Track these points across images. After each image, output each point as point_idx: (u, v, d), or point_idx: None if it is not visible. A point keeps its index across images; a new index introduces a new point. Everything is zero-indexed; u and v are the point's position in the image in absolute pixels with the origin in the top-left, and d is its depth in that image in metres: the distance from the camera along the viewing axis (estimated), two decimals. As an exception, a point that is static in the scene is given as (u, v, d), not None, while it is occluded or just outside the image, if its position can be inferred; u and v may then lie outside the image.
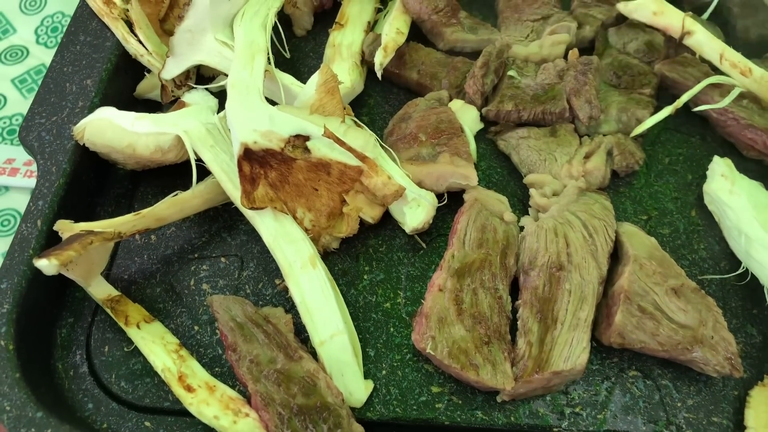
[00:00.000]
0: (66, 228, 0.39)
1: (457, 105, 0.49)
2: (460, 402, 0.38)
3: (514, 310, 0.39)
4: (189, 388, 0.37)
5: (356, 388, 0.38)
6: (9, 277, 0.38)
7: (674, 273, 0.39)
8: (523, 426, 0.37)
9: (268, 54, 0.45)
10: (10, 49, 0.81)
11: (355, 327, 0.40)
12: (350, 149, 0.41)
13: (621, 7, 0.51)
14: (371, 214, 0.42)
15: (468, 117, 0.48)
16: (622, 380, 0.38)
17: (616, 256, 0.41)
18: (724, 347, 0.37)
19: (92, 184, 0.45)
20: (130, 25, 0.49)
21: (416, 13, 0.52)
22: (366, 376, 0.39)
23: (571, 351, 0.37)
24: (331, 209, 0.41)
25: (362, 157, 0.41)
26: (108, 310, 0.40)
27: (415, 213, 0.41)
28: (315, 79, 0.42)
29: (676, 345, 0.37)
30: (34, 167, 0.70)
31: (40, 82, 0.78)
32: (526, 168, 0.45)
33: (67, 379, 0.39)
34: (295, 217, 0.41)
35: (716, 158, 0.45)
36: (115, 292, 0.41)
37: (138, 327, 0.39)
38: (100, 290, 0.41)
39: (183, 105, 0.46)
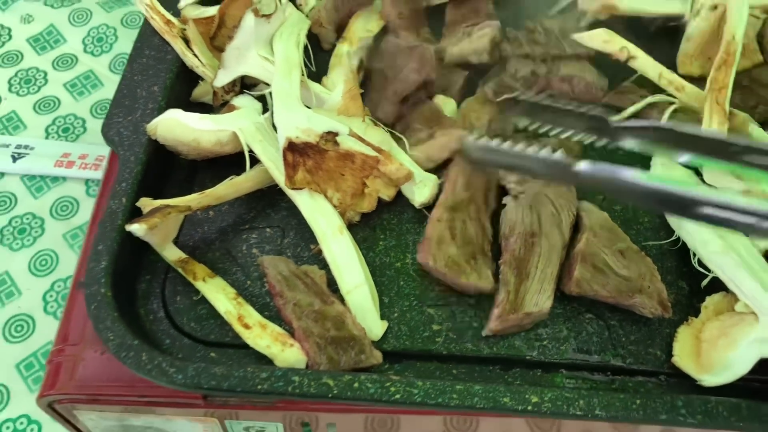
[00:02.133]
0: (147, 204, 0.50)
1: (439, 99, 0.60)
2: (454, 337, 0.49)
3: (495, 236, 0.51)
4: (246, 326, 0.48)
5: (374, 326, 0.49)
6: (103, 241, 0.49)
7: (621, 239, 0.50)
8: (502, 355, 0.48)
9: (302, 67, 0.56)
10: (62, 57, 0.92)
11: (373, 281, 0.51)
12: (370, 144, 0.52)
13: (577, 37, 0.61)
14: (387, 194, 0.53)
15: (447, 107, 0.60)
16: (579, 321, 0.49)
17: (577, 227, 0.52)
18: (658, 294, 0.48)
19: (160, 170, 0.55)
20: (186, 41, 0.60)
21: (384, 13, 0.63)
22: (381, 317, 0.50)
23: (539, 298, 0.48)
24: (354, 190, 0.52)
25: (379, 150, 0.52)
26: (179, 269, 0.51)
27: (422, 191, 0.53)
28: (341, 87, 0.53)
29: (621, 292, 0.48)
30: (88, 160, 0.81)
31: (89, 86, 0.89)
32: None
33: (148, 321, 0.50)
34: (326, 196, 0.52)
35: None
36: (183, 255, 0.51)
37: (204, 281, 0.50)
38: (172, 253, 0.51)
39: (232, 108, 0.57)
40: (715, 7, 0.58)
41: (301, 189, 0.51)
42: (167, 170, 0.56)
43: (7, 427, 0.66)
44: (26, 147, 0.82)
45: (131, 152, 0.53)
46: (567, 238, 0.50)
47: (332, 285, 0.51)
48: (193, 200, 0.51)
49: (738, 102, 0.57)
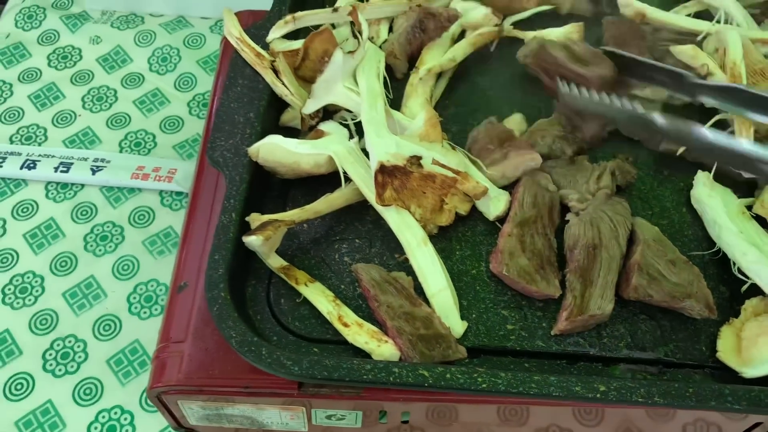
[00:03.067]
0: (256, 218, 0.57)
1: (509, 120, 0.68)
2: (526, 335, 0.56)
3: (560, 250, 0.59)
4: (346, 325, 0.55)
5: (456, 325, 0.56)
6: (219, 251, 0.56)
7: (671, 250, 0.57)
8: (569, 351, 0.56)
9: (384, 96, 0.64)
10: (130, 75, 0.99)
11: (453, 286, 0.58)
12: (448, 167, 0.59)
13: (671, 49, 0.68)
14: (463, 209, 0.60)
15: (515, 124, 0.67)
16: (634, 321, 0.56)
17: (632, 240, 0.59)
18: (705, 298, 0.55)
19: (260, 188, 0.63)
20: (276, 72, 0.67)
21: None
22: (462, 318, 0.57)
23: (601, 302, 0.55)
24: (434, 206, 0.59)
25: (457, 171, 0.59)
26: (282, 275, 0.58)
27: (497, 205, 0.60)
28: (422, 115, 0.61)
29: (673, 297, 0.55)
30: (161, 173, 0.88)
31: (156, 103, 0.96)
32: (557, 184, 0.63)
33: (257, 321, 0.57)
34: (409, 211, 0.59)
35: (699, 172, 0.63)
36: (285, 263, 0.59)
37: (306, 285, 0.57)
38: (276, 261, 0.58)
39: (321, 133, 0.64)
40: (716, 50, 0.66)
41: (389, 205, 0.58)
42: (265, 188, 0.63)
43: (103, 417, 0.73)
44: (103, 160, 0.89)
45: (236, 172, 0.60)
46: (624, 250, 0.58)
47: (417, 289, 0.58)
48: (295, 215, 0.58)
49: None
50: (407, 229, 0.58)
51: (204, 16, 1.04)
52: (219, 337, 0.56)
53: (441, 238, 0.61)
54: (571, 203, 0.60)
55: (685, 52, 0.66)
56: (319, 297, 0.56)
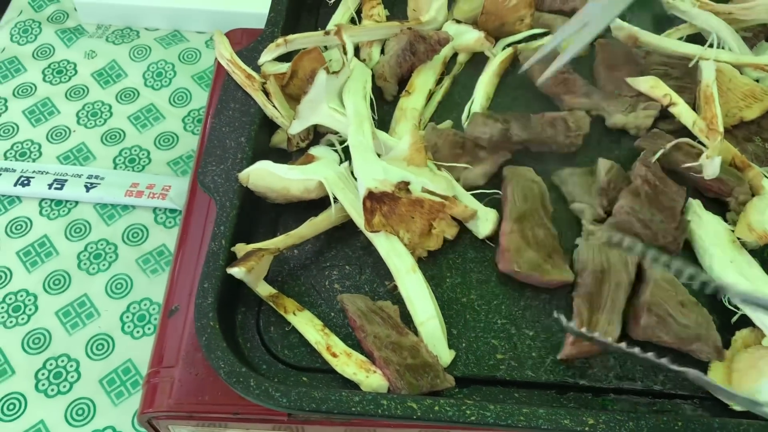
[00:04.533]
0: (241, 248, 0.57)
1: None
2: (516, 365, 0.56)
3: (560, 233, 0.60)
4: (334, 355, 0.55)
5: (443, 354, 0.56)
6: (208, 279, 0.56)
7: (681, 291, 0.56)
8: (558, 381, 0.55)
9: (371, 118, 0.63)
10: (124, 90, 0.99)
11: (442, 314, 0.58)
12: (435, 192, 0.59)
13: (629, 80, 0.69)
14: (450, 233, 0.60)
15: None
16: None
17: (640, 278, 0.58)
18: (713, 341, 0.55)
19: (250, 213, 0.62)
20: (267, 94, 0.67)
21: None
22: (450, 347, 0.57)
23: (608, 328, 0.55)
24: (422, 231, 0.59)
25: (445, 197, 0.59)
26: (271, 303, 0.58)
27: (486, 224, 0.60)
28: (407, 139, 0.61)
29: (682, 340, 0.54)
30: (155, 190, 0.88)
31: (151, 119, 0.96)
32: (570, 197, 0.64)
33: (246, 349, 0.57)
34: (398, 236, 0.59)
35: (691, 200, 0.62)
36: (274, 291, 0.59)
37: (294, 314, 0.57)
38: (264, 290, 0.58)
39: (311, 157, 0.64)
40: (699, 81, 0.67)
41: (378, 231, 0.58)
42: (256, 213, 0.63)
43: (95, 438, 0.73)
44: (97, 177, 0.89)
45: (226, 198, 0.60)
46: (632, 277, 0.58)
47: (406, 317, 0.58)
48: (280, 242, 0.58)
49: (759, 152, 0.65)
50: (396, 256, 0.58)
51: (199, 31, 1.04)
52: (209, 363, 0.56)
53: (431, 266, 0.61)
54: (583, 222, 0.60)
55: (645, 82, 0.66)
56: (308, 326, 0.56)
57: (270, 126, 0.67)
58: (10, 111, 0.96)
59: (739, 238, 0.59)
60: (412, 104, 0.68)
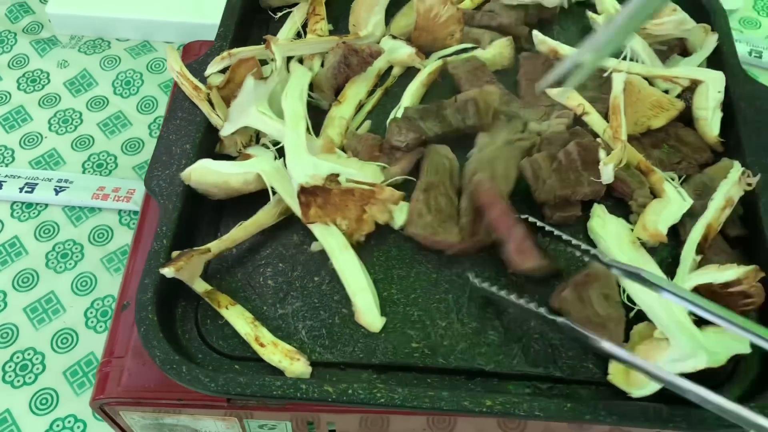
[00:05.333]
0: (176, 253, 0.62)
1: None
2: (429, 353, 0.61)
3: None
4: (262, 345, 0.60)
5: (375, 320, 0.61)
6: (149, 276, 0.61)
7: (612, 288, 0.61)
8: (466, 367, 0.60)
9: (306, 119, 0.68)
10: (95, 98, 1.04)
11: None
12: (362, 181, 0.64)
13: (547, 91, 0.74)
14: (382, 218, 0.65)
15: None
16: (527, 340, 0.61)
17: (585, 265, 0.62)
18: (616, 338, 0.58)
19: (192, 214, 0.67)
20: (212, 104, 0.72)
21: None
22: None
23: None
24: (357, 217, 0.64)
25: (372, 184, 0.64)
26: (206, 299, 0.63)
27: (399, 215, 0.66)
28: (318, 142, 0.66)
29: (589, 323, 0.59)
30: (120, 193, 0.93)
31: (119, 126, 1.01)
32: None
33: (184, 339, 0.62)
34: (335, 224, 0.64)
35: (595, 204, 0.67)
36: (209, 287, 0.63)
37: (227, 308, 0.62)
38: (200, 286, 0.63)
39: (247, 156, 0.69)
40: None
41: (315, 222, 0.63)
42: (198, 215, 0.68)
43: (57, 425, 0.78)
44: (66, 181, 0.94)
45: (169, 201, 0.65)
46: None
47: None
48: (213, 245, 0.63)
49: (664, 158, 0.70)
50: (330, 236, 0.63)
51: (168, 41, 1.09)
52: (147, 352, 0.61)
53: (370, 248, 0.67)
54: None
55: (561, 93, 0.72)
56: (239, 319, 0.61)
57: (215, 135, 0.72)
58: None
59: (639, 238, 0.64)
60: (341, 113, 0.73)
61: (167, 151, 0.69)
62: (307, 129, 0.68)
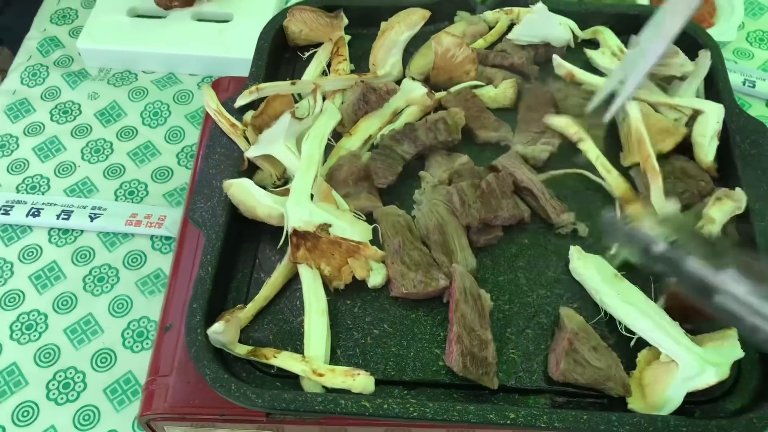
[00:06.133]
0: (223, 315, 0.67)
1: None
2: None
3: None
4: (321, 375, 0.63)
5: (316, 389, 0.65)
6: (197, 300, 0.66)
7: (594, 338, 0.65)
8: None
9: (319, 165, 0.74)
10: (124, 129, 1.10)
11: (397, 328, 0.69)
12: (351, 240, 0.69)
13: (548, 119, 0.80)
14: (361, 274, 0.69)
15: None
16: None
17: (559, 326, 0.67)
18: (622, 380, 0.63)
19: (232, 243, 0.73)
20: (247, 139, 0.78)
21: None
22: (404, 356, 0.67)
23: (468, 260, 0.71)
24: (340, 266, 0.69)
25: (359, 242, 0.69)
26: (252, 358, 0.66)
27: (375, 277, 0.70)
28: (317, 188, 0.71)
29: (595, 380, 0.63)
30: (152, 219, 0.97)
31: (148, 155, 1.06)
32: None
33: (229, 359, 0.66)
34: (319, 268, 0.68)
35: (571, 246, 0.72)
36: (250, 347, 0.67)
37: (275, 357, 0.66)
38: (242, 349, 0.67)
39: (287, 191, 0.74)
40: (624, 119, 0.78)
41: (301, 263, 0.68)
42: (237, 244, 0.74)
43: (99, 441, 0.83)
44: (100, 208, 0.99)
45: (213, 231, 0.71)
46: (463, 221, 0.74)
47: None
48: (249, 308, 0.69)
49: (669, 188, 0.76)
50: (314, 294, 0.68)
51: (192, 73, 1.15)
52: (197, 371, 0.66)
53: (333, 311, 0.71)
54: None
55: (559, 121, 0.78)
56: (290, 362, 0.66)
57: (251, 167, 0.78)
58: (21, 148, 1.06)
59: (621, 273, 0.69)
60: (349, 145, 0.79)
61: (208, 185, 0.75)
62: (317, 175, 0.74)
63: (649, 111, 0.79)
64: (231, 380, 0.62)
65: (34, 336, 0.88)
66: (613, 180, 0.76)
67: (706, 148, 0.78)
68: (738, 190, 0.73)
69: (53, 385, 0.85)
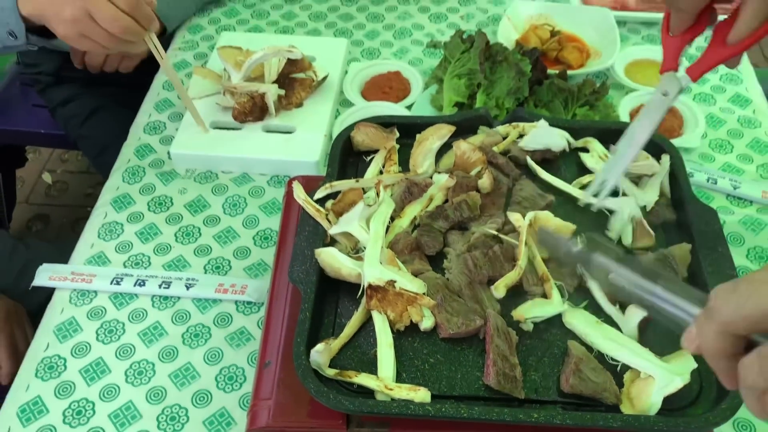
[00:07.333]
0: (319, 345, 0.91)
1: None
2: (492, 388, 0.90)
3: None
4: (390, 389, 0.82)
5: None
6: (300, 336, 0.90)
7: (592, 361, 0.77)
8: (513, 396, 0.89)
9: (384, 238, 1.00)
10: (208, 217, 1.36)
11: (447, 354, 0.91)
12: (410, 291, 0.93)
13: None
14: (416, 318, 0.90)
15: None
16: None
17: (568, 353, 0.84)
18: (614, 392, 0.82)
19: (321, 295, 0.97)
20: (329, 221, 1.04)
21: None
22: (452, 378, 0.91)
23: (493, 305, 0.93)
24: (401, 312, 0.90)
25: (416, 293, 0.91)
26: (339, 378, 0.85)
27: (428, 321, 0.90)
28: (384, 255, 0.96)
29: (595, 392, 0.81)
30: (236, 288, 1.21)
31: (230, 238, 1.31)
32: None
33: (324, 379, 0.90)
34: (386, 313, 0.90)
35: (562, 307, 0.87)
36: (337, 370, 0.87)
37: (356, 376, 0.85)
38: (330, 371, 0.86)
39: (360, 258, 1.00)
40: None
41: (373, 310, 0.92)
42: (324, 296, 0.98)
43: (197, 467, 1.03)
44: (194, 279, 1.22)
45: (308, 286, 0.95)
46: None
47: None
48: (338, 343, 0.91)
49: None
50: (383, 333, 0.90)
51: (262, 173, 1.42)
52: (293, 395, 0.89)
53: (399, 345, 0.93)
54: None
55: (510, 216, 0.96)
56: (367, 380, 0.87)
57: (332, 241, 1.04)
58: (126, 233, 1.31)
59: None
60: (401, 224, 0.96)
61: (301, 254, 1.00)
62: (383, 246, 0.98)
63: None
64: (329, 392, 0.85)
65: (145, 380, 1.09)
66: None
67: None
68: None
69: (162, 418, 1.05)
